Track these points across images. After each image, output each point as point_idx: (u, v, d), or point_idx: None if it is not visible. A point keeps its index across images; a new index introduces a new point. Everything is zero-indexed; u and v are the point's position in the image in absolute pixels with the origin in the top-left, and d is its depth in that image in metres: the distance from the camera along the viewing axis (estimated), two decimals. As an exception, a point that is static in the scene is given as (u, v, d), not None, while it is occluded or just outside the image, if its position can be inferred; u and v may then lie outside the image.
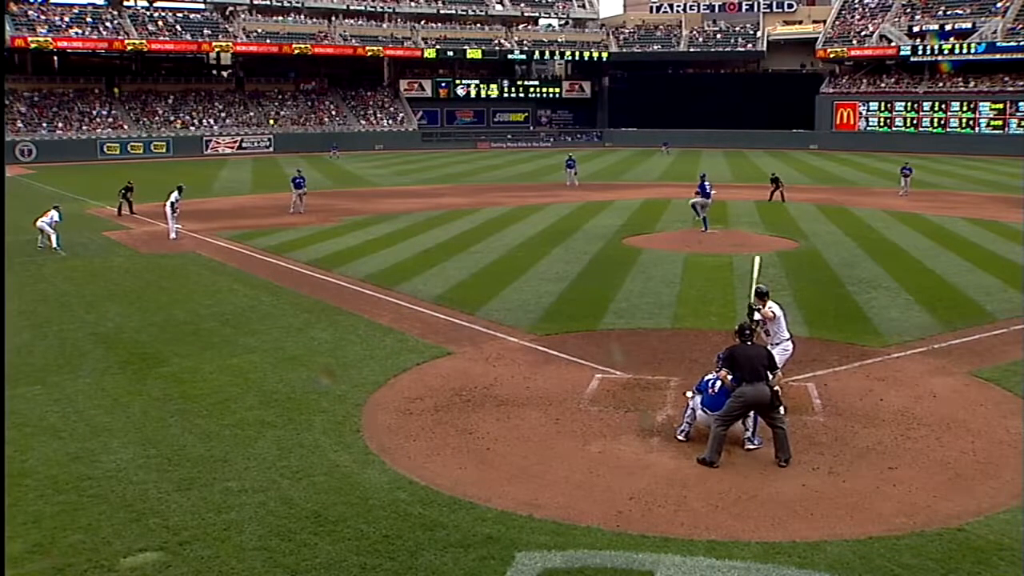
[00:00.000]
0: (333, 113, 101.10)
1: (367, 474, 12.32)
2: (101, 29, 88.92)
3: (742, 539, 10.48)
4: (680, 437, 13.62)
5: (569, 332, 20.28)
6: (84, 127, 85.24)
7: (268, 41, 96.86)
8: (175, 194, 34.63)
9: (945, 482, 12.13)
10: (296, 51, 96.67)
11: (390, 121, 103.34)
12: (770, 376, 12.90)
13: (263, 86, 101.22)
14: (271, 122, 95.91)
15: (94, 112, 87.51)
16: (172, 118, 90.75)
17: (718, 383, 13.49)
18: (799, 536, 10.54)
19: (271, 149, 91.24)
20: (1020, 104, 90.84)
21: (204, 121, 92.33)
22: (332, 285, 25.57)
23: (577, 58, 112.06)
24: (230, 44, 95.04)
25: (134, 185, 42.58)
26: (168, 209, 34.43)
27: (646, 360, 17.86)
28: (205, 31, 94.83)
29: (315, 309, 22.51)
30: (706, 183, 36.48)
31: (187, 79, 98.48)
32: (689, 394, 13.93)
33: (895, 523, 10.86)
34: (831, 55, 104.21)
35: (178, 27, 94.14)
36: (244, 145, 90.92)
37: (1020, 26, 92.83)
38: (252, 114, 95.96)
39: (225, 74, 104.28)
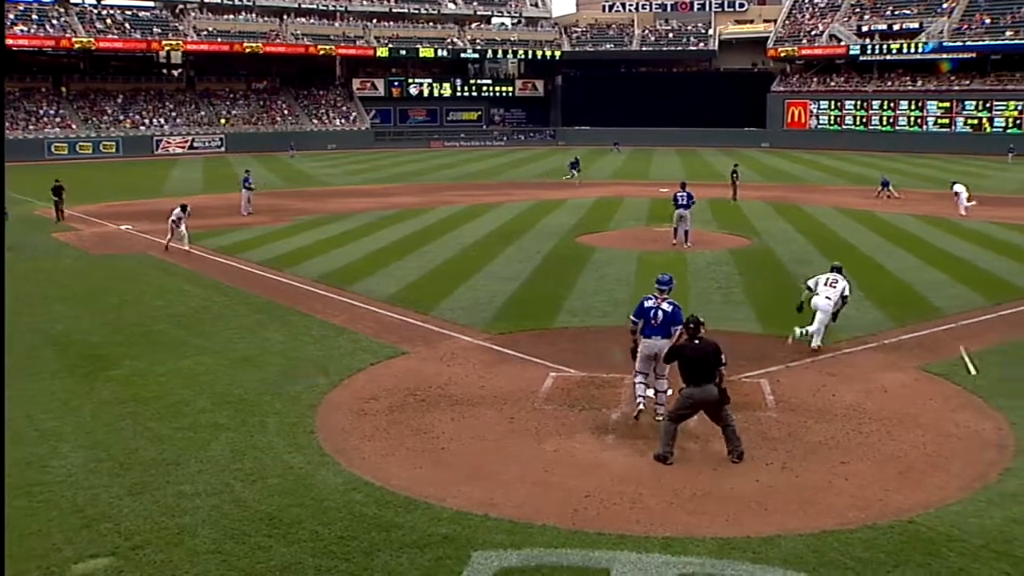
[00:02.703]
0: (285, 112, 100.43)
1: (322, 475, 12.24)
2: (48, 27, 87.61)
3: (697, 535, 10.54)
4: (636, 413, 14.24)
5: (523, 331, 20.29)
6: (31, 127, 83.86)
7: (219, 40, 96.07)
8: (177, 211, 31.33)
9: (896, 475, 12.28)
10: (247, 50, 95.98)
11: (343, 120, 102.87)
12: (718, 373, 12.73)
13: (214, 85, 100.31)
14: (222, 121, 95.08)
15: (41, 111, 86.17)
16: (122, 117, 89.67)
17: (659, 313, 14.11)
18: (753, 531, 10.62)
19: (223, 149, 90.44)
20: (966, 103, 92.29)
21: (154, 121, 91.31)
22: (285, 285, 25.40)
23: (530, 57, 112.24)
24: (180, 43, 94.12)
25: (64, 185, 40.00)
26: (170, 224, 31.42)
27: (600, 358, 17.90)
28: (155, 29, 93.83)
29: (268, 309, 22.35)
30: (686, 192, 32.31)
31: (137, 78, 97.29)
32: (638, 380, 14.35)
33: (847, 517, 10.98)
34: (782, 54, 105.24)
35: (127, 25, 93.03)
36: (195, 145, 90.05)
37: (965, 26, 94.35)
38: (203, 113, 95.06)
39: (175, 73, 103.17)
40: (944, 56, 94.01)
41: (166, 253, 30.53)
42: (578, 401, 15.33)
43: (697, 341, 12.91)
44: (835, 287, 18.80)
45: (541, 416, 14.65)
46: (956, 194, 43.60)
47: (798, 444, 13.44)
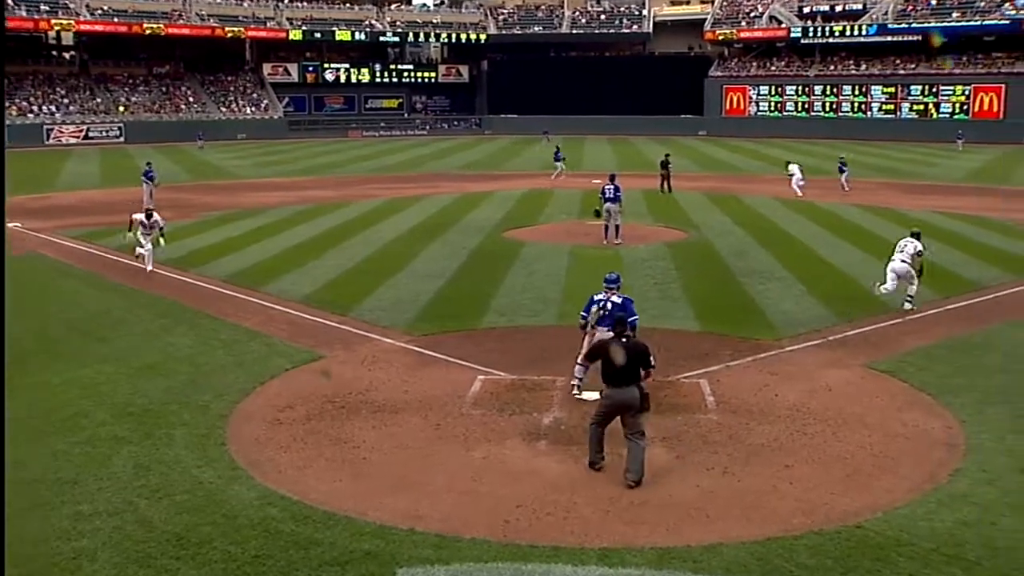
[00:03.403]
0: (190, 100, 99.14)
1: (234, 490, 12.09)
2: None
3: (635, 545, 10.60)
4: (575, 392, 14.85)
5: (449, 332, 20.26)
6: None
7: (115, 19, 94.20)
8: (140, 216, 27.27)
9: (842, 478, 12.48)
10: (147, 31, 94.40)
11: (253, 108, 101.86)
12: (643, 375, 12.80)
13: (111, 69, 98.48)
14: (121, 109, 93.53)
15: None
16: (7, 104, 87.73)
17: (609, 304, 14.65)
18: (694, 540, 10.71)
19: (122, 139, 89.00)
20: (911, 88, 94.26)
21: (44, 108, 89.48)
22: (191, 286, 25.06)
23: (454, 40, 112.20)
24: (72, 22, 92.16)
25: None
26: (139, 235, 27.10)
27: (531, 359, 17.93)
28: (43, 6, 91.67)
29: (173, 313, 22.03)
30: (614, 185, 32.22)
31: (23, 60, 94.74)
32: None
33: (792, 523, 11.13)
34: (720, 37, 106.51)
35: (10, 1, 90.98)
36: (91, 134, 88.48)
37: (911, 7, 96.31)
38: (99, 100, 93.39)
39: (67, 56, 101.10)
40: (888, 39, 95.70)
41: (56, 252, 29.92)
42: (508, 405, 15.33)
43: (624, 339, 12.93)
44: (904, 251, 22.08)
45: (469, 422, 14.64)
46: (791, 175, 46.40)
47: (740, 447, 13.60)
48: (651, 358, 12.91)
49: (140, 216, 26.99)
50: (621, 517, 11.35)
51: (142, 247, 26.45)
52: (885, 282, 21.88)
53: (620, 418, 12.65)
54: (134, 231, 27.09)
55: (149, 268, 26.39)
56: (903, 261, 21.85)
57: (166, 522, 11.23)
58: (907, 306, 21.78)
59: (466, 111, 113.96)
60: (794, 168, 47.38)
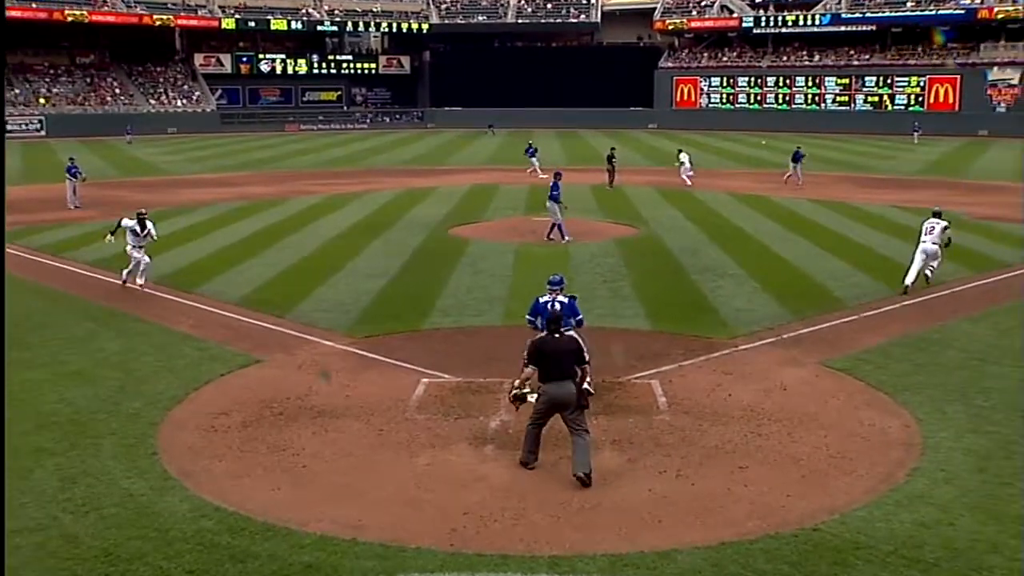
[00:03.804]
0: (117, 91, 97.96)
1: (166, 502, 11.96)
2: None
3: (586, 552, 10.62)
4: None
5: (392, 333, 20.20)
6: None
7: (34, 4, 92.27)
8: (131, 223, 24.31)
9: (798, 480, 12.60)
10: (70, 18, 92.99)
11: (184, 101, 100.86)
12: (579, 371, 13.00)
13: (30, 59, 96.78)
14: (41, 101, 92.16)
15: None
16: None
17: (556, 305, 14.76)
18: (647, 546, 10.75)
19: (43, 132, 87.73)
20: (866, 79, 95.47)
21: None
22: (120, 288, 24.73)
23: (395, 30, 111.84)
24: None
25: None
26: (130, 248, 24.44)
27: (477, 361, 17.92)
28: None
29: (101, 316, 21.75)
30: (555, 182, 32.28)
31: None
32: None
33: (748, 526, 11.21)
34: (670, 27, 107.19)
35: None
36: (9, 128, 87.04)
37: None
38: (17, 91, 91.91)
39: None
40: (842, 29, 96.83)
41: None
42: (453, 409, 15.31)
43: (556, 335, 13.16)
44: (933, 232, 24.05)
45: (413, 427, 14.59)
46: (681, 163, 48.66)
47: (693, 449, 13.67)
48: (585, 353, 13.18)
49: (131, 223, 24.11)
50: (572, 523, 11.37)
51: (131, 262, 24.21)
52: (913, 264, 24.01)
53: (561, 416, 12.84)
54: (116, 236, 24.89)
55: (140, 282, 24.01)
56: (933, 243, 23.97)
57: (93, 537, 11.07)
58: (928, 273, 24.24)
59: (408, 104, 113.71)
60: (684, 157, 49.34)
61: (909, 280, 23.71)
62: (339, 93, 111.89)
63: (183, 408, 15.55)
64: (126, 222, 24.33)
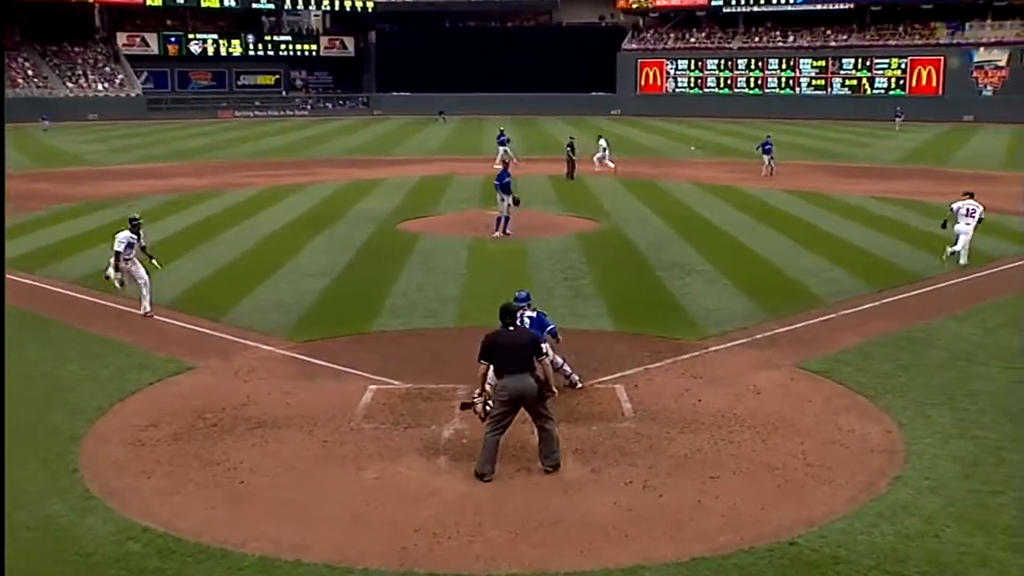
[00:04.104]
0: (29, 73, 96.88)
1: (88, 523, 11.82)
2: None
3: (547, 570, 10.62)
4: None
5: (337, 337, 20.13)
6: None
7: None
8: (123, 237, 21.82)
9: (773, 490, 12.66)
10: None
11: (106, 84, 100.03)
12: (537, 364, 13.26)
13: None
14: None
15: None
16: None
17: (525, 320, 15.19)
18: (613, 562, 10.76)
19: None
20: (843, 61, 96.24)
21: None
22: (39, 290, 24.48)
23: (337, 8, 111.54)
24: None
25: None
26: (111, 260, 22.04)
27: (428, 366, 17.90)
28: None
29: (15, 321, 21.46)
30: (504, 171, 32.86)
31: None
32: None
33: (720, 541, 11.24)
34: (633, 5, 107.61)
35: None
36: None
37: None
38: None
39: None
40: (818, 7, 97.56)
41: None
42: (403, 418, 15.28)
43: (511, 329, 13.53)
44: (973, 216, 26.29)
45: (360, 437, 14.55)
46: (601, 149, 51.18)
47: (661, 458, 13.70)
48: (543, 346, 13.82)
49: (127, 237, 21.67)
50: (531, 539, 11.36)
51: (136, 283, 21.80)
52: (956, 245, 26.34)
53: (525, 407, 13.15)
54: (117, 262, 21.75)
55: (146, 309, 21.63)
56: (967, 223, 26.28)
57: (8, 564, 10.91)
58: (950, 250, 26.35)
59: (352, 89, 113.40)
60: (603, 143, 51.33)
61: (964, 259, 26.22)
62: (277, 77, 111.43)
63: (108, 420, 15.39)
64: (122, 239, 21.60)
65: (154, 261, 22.93)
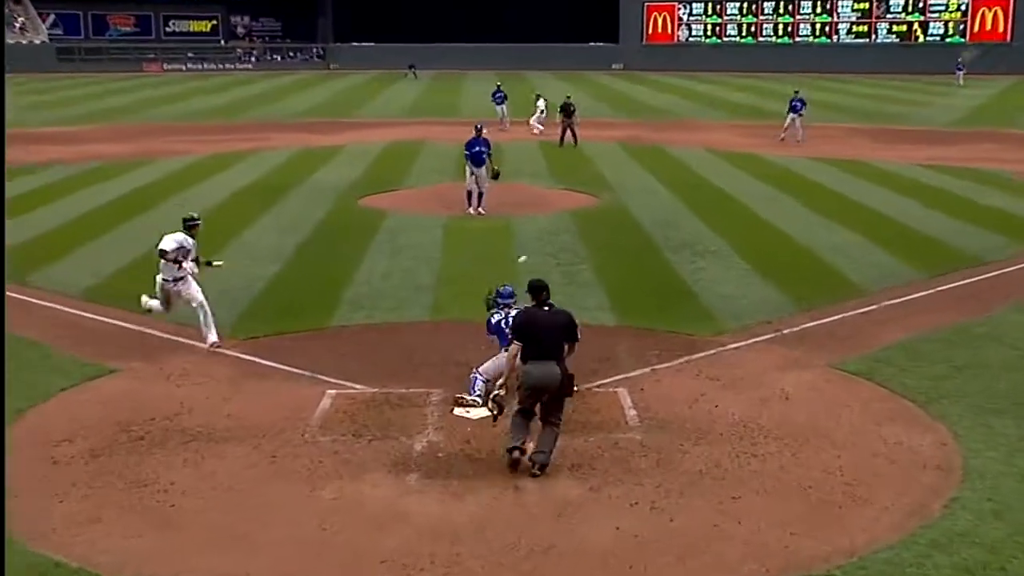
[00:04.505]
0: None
1: (-9, 556, 11.79)
2: None
3: (538, 609, 10.63)
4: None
5: (288, 333, 20.11)
6: None
7: None
8: (174, 243, 19.23)
9: (805, 513, 12.63)
10: None
11: (6, 31, 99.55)
12: (567, 348, 13.77)
13: None
14: None
15: None
16: None
17: (512, 321, 15.11)
18: (615, 599, 10.78)
19: None
20: (891, 2, 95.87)
21: None
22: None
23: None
24: None
25: None
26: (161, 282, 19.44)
27: (396, 367, 17.83)
28: None
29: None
30: (482, 139, 32.16)
31: None
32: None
33: (742, 572, 11.25)
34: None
35: None
36: None
37: None
38: None
39: None
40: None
41: None
42: (367, 428, 15.24)
43: (547, 308, 13.96)
44: None
45: (315, 451, 14.52)
46: (536, 110, 52.72)
47: (672, 475, 13.69)
48: (578, 330, 14.03)
49: (179, 239, 19.19)
50: (518, 570, 11.33)
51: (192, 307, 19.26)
52: None
53: (543, 403, 13.62)
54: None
55: (213, 340, 19.07)
56: None
57: None
58: None
59: (305, 38, 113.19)
60: (541, 104, 52.40)
61: None
62: (214, 23, 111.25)
63: (10, 434, 15.23)
64: (171, 243, 19.13)
65: (215, 263, 20.46)
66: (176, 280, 18.99)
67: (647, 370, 17.72)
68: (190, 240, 19.41)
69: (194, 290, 19.13)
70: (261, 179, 38.20)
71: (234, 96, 76.37)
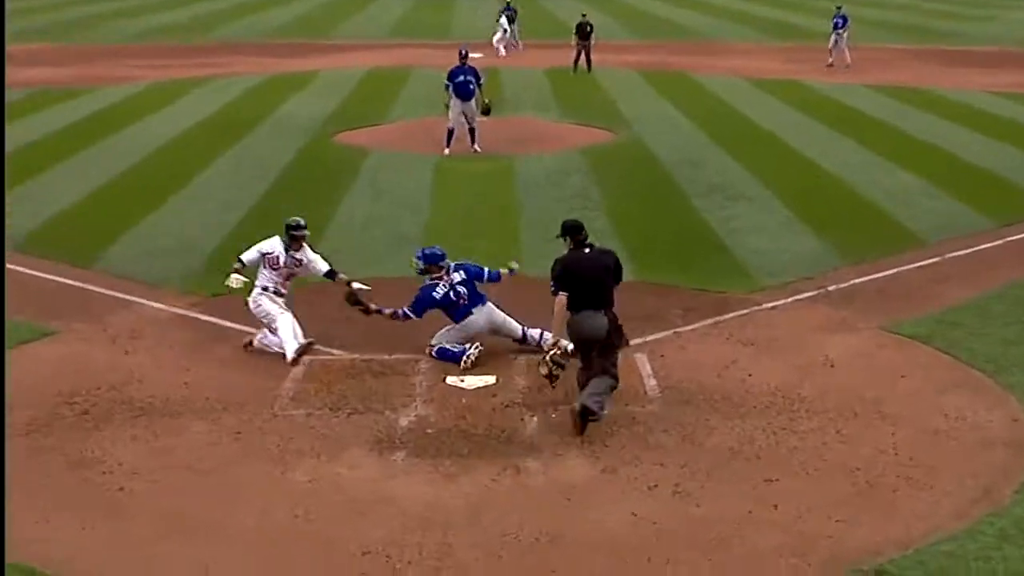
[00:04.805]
0: None
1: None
2: None
3: (542, 607, 10.69)
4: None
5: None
6: None
7: None
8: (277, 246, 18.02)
9: (852, 498, 12.60)
10: None
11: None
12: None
13: None
14: None
15: None
16: None
17: (459, 289, 16.45)
18: (632, 597, 10.83)
19: None
20: None
21: None
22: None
23: None
24: None
25: None
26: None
27: (379, 330, 17.76)
28: None
29: None
30: (469, 67, 32.29)
31: None
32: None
33: (779, 566, 11.24)
34: None
35: None
36: None
37: None
38: None
39: None
40: None
41: None
42: (346, 400, 15.29)
43: (588, 250, 14.33)
44: None
45: (287, 426, 14.55)
46: (499, 29, 53.05)
47: (698, 454, 13.70)
48: (621, 270, 14.56)
49: (275, 248, 17.91)
50: (521, 564, 11.34)
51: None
52: None
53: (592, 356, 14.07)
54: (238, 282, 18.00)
55: (297, 347, 17.17)
56: None
57: None
58: None
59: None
60: (503, 21, 52.54)
61: None
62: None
63: (-64, 406, 15.39)
64: (266, 248, 18.04)
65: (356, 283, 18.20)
66: (262, 290, 17.72)
67: (669, 333, 17.79)
68: (280, 249, 17.81)
69: (279, 306, 17.59)
70: (221, 111, 38.13)
71: (189, 12, 76.05)
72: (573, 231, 14.49)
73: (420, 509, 12.43)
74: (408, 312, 16.89)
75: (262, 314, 17.46)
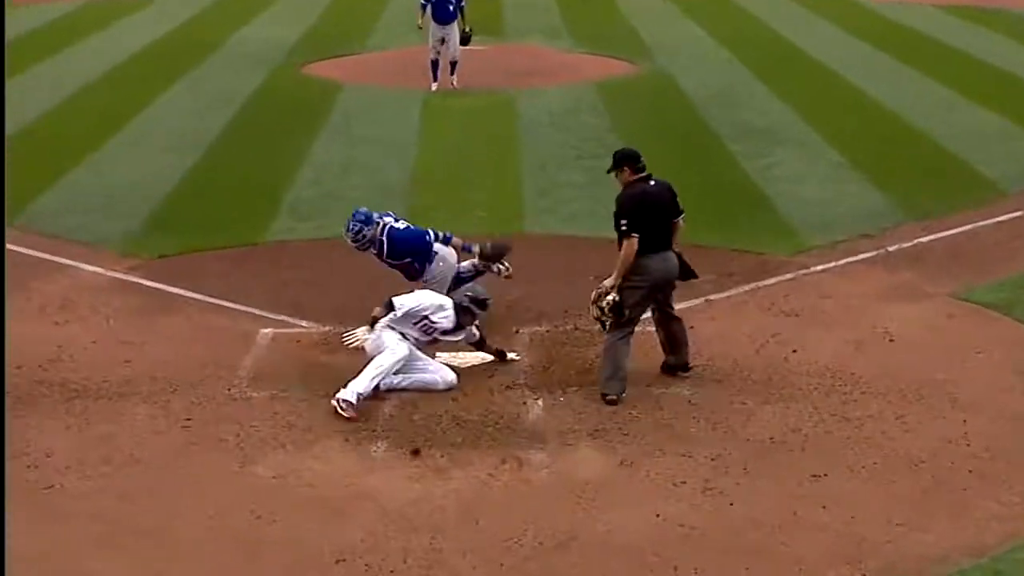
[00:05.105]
0: None
1: None
2: None
3: (550, 625, 10.73)
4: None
5: (208, 250, 20.14)
6: None
7: None
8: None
9: (916, 497, 12.64)
10: None
11: None
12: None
13: None
14: None
15: None
16: None
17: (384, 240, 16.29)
18: (655, 612, 10.87)
19: None
20: None
21: None
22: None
23: None
24: None
25: None
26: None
27: (356, 297, 17.71)
28: None
29: None
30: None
31: None
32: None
33: (828, 576, 11.34)
34: None
35: None
36: None
37: None
38: None
39: None
40: None
41: None
42: (316, 379, 15.33)
43: (652, 182, 14.78)
44: None
45: (247, 412, 14.60)
46: None
47: (732, 444, 13.74)
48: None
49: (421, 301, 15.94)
50: (522, 573, 11.37)
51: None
52: None
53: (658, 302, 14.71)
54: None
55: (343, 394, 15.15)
56: None
57: None
58: None
59: None
60: None
61: None
62: None
63: None
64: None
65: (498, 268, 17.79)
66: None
67: (699, 301, 17.63)
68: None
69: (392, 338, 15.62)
70: (167, 37, 38.06)
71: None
72: (631, 159, 14.76)
73: (401, 507, 12.46)
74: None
75: (382, 345, 15.51)
